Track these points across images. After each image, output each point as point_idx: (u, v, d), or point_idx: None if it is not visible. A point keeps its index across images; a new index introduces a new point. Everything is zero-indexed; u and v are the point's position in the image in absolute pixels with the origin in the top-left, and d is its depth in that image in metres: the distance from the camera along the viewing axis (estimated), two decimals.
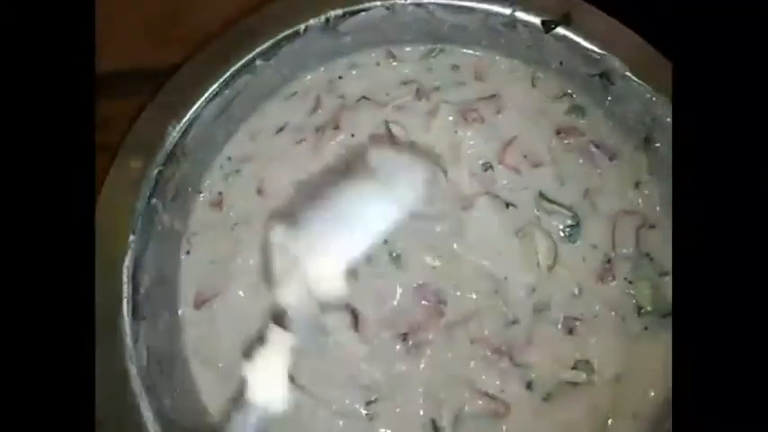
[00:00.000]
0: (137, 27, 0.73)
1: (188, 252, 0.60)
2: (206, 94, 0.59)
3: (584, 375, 0.52)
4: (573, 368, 0.52)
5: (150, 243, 0.56)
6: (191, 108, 0.58)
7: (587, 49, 0.59)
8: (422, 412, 0.52)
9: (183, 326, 0.57)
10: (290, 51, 0.62)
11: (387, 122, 0.62)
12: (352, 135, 0.61)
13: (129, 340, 0.51)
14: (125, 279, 0.53)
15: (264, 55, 0.61)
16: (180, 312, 0.58)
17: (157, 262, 0.57)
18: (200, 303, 0.57)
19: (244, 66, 0.60)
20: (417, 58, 0.67)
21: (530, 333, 0.54)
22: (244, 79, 0.61)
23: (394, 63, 0.67)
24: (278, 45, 0.61)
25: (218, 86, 0.59)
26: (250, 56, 0.60)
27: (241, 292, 0.56)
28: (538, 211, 0.58)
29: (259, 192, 0.61)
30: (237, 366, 0.53)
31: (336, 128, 0.62)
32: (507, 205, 0.58)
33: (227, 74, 0.60)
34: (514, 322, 0.54)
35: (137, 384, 0.50)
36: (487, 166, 0.60)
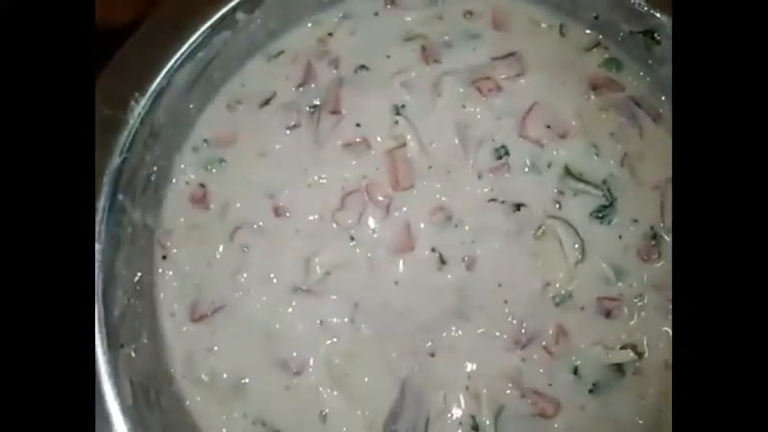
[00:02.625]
0: None
1: (164, 257, 0.50)
2: (176, 57, 0.48)
3: (631, 354, 0.47)
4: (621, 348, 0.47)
5: (121, 250, 0.46)
6: (158, 75, 0.48)
7: (632, 3, 0.51)
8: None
9: (168, 344, 0.49)
10: (276, 1, 0.51)
11: (395, 108, 0.52)
12: (358, 125, 0.52)
13: (105, 376, 0.42)
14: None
15: (246, 5, 0.50)
16: (163, 328, 0.48)
17: (131, 272, 0.47)
18: (197, 317, 0.48)
19: (221, 20, 0.49)
20: (424, 3, 0.56)
21: (558, 323, 0.48)
22: (222, 37, 0.50)
23: (395, 11, 0.56)
24: None
25: (189, 47, 0.49)
26: (229, 7, 0.49)
27: (258, 305, 0.48)
28: (562, 192, 0.50)
29: (275, 210, 0.51)
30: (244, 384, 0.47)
31: (335, 112, 0.52)
32: (518, 207, 0.50)
33: (201, 31, 0.49)
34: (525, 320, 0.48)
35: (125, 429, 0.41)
36: (502, 153, 0.51)
